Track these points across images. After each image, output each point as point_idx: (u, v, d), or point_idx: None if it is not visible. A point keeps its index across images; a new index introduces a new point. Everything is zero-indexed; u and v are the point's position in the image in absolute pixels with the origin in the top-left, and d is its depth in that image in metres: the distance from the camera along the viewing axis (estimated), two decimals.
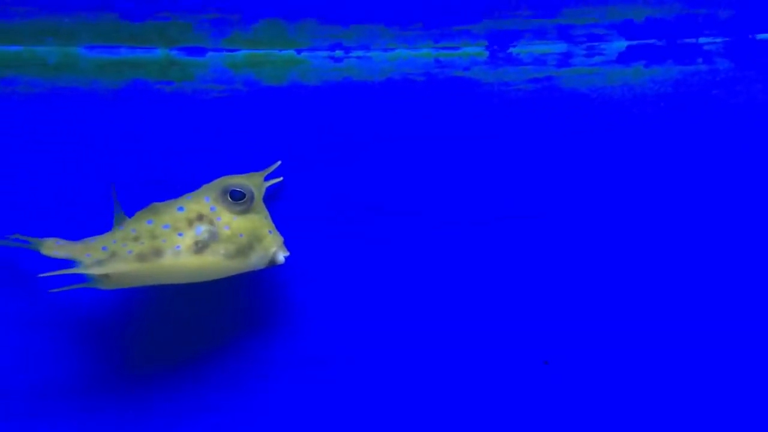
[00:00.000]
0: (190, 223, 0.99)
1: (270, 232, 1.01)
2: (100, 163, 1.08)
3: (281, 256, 1.01)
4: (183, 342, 1.07)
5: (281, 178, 1.08)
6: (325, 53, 1.10)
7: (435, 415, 1.08)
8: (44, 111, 1.08)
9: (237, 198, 1.00)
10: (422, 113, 1.10)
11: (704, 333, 1.09)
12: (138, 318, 1.07)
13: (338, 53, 1.10)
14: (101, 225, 1.07)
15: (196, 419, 1.07)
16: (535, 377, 1.09)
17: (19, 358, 1.06)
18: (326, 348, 1.08)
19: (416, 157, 1.09)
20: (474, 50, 1.11)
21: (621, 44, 1.11)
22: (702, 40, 1.11)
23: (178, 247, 0.97)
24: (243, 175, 1.03)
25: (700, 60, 1.11)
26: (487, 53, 1.11)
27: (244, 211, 1.00)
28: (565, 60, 1.11)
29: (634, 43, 1.11)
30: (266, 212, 1.02)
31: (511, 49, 1.11)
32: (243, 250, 0.99)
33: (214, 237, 0.98)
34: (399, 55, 1.10)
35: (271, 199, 1.08)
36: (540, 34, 1.11)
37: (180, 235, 0.98)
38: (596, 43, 1.11)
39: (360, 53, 1.10)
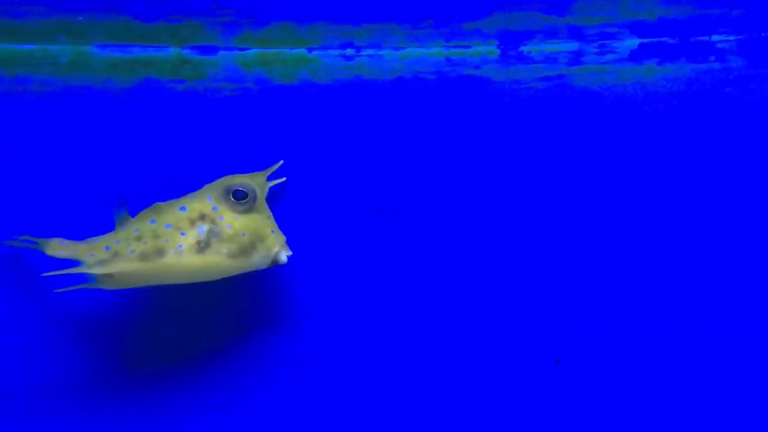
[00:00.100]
0: (193, 222, 0.99)
1: (272, 231, 1.01)
2: (112, 161, 1.09)
3: (284, 255, 1.01)
4: (184, 342, 1.07)
5: (284, 179, 1.08)
6: (336, 52, 1.10)
7: (440, 417, 1.08)
8: (57, 110, 1.09)
9: (240, 197, 1.00)
10: (433, 112, 1.10)
11: (716, 332, 1.08)
12: (139, 317, 1.07)
13: (349, 52, 1.10)
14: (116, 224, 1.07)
15: (197, 419, 1.07)
16: (547, 376, 1.08)
17: (20, 357, 1.07)
18: (328, 348, 1.08)
19: (427, 156, 1.09)
20: (485, 49, 1.10)
21: (633, 42, 1.11)
22: (715, 37, 1.10)
23: (180, 246, 0.98)
24: (246, 174, 1.03)
25: (712, 58, 1.10)
26: (498, 51, 1.10)
27: (247, 211, 1.01)
28: (576, 58, 1.10)
29: (647, 41, 1.11)
30: (269, 212, 1.02)
31: (522, 48, 1.10)
32: (245, 250, 0.99)
33: (216, 236, 0.98)
34: (410, 54, 1.10)
35: (279, 198, 1.08)
36: (551, 33, 1.11)
37: (182, 234, 0.98)
38: (608, 41, 1.11)
39: (371, 52, 1.10)
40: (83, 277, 1.00)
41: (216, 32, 1.10)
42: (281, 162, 1.07)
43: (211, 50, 1.10)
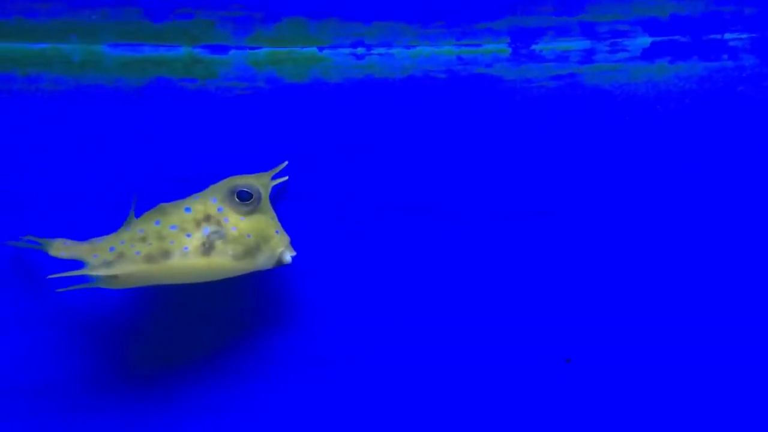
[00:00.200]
0: (198, 224, 0.99)
1: (277, 232, 1.01)
2: (123, 160, 1.09)
3: (288, 256, 1.01)
4: (185, 341, 1.08)
5: (286, 177, 1.08)
6: (347, 50, 1.10)
7: (448, 417, 1.08)
8: (69, 108, 1.09)
9: (245, 198, 1.00)
10: (444, 110, 1.09)
11: (731, 331, 1.08)
12: (140, 317, 1.08)
13: (360, 50, 1.10)
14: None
15: (198, 419, 1.07)
16: (557, 375, 1.08)
17: (20, 357, 1.07)
18: (332, 348, 1.08)
19: (438, 154, 1.09)
20: (496, 47, 1.10)
21: (645, 40, 1.10)
22: (727, 36, 1.10)
23: (186, 248, 0.98)
24: (250, 175, 1.03)
25: (725, 56, 1.10)
26: (509, 50, 1.10)
27: (251, 212, 1.01)
28: (588, 56, 1.10)
29: (659, 39, 1.10)
30: (273, 212, 1.02)
31: (533, 46, 1.10)
32: (250, 251, 0.99)
33: (221, 238, 0.99)
34: (421, 53, 1.10)
35: (290, 197, 1.09)
36: (563, 31, 1.10)
37: (188, 236, 0.98)
38: (620, 40, 1.10)
39: (382, 50, 1.10)
40: (85, 277, 1.00)
41: (227, 31, 1.10)
42: (286, 163, 1.07)
43: (222, 49, 1.10)
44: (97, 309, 1.08)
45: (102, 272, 0.97)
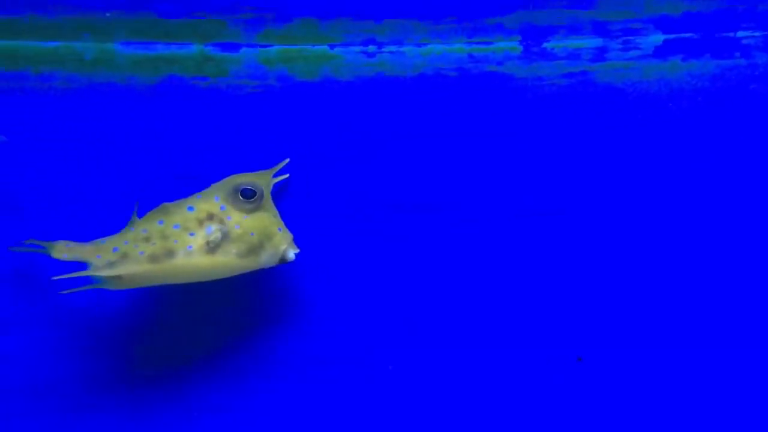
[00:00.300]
0: (201, 222, 0.99)
1: (280, 229, 1.01)
2: (136, 157, 1.09)
3: (291, 253, 1.01)
4: (186, 340, 1.08)
5: (287, 175, 1.08)
6: (358, 48, 1.10)
7: (456, 419, 1.08)
8: (81, 106, 1.10)
9: (248, 196, 1.00)
10: (455, 108, 1.09)
11: (745, 331, 1.08)
12: (141, 316, 1.08)
13: (371, 48, 1.10)
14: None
15: (199, 419, 1.08)
16: (569, 374, 1.08)
17: (21, 357, 1.08)
18: (335, 348, 1.08)
19: (449, 152, 1.09)
20: (508, 45, 1.10)
21: (658, 38, 1.10)
22: (740, 33, 1.09)
23: (190, 247, 0.98)
24: (251, 173, 1.03)
25: (738, 54, 1.09)
26: (520, 48, 1.10)
27: (254, 210, 1.01)
28: (600, 54, 1.10)
29: (671, 37, 1.10)
30: (275, 210, 1.02)
31: (545, 44, 1.10)
32: (254, 249, 0.99)
33: (225, 236, 0.99)
34: (432, 50, 1.10)
35: (301, 197, 1.09)
36: (575, 29, 1.10)
37: (191, 235, 0.98)
38: (632, 37, 1.10)
39: (393, 48, 1.10)
40: (89, 278, 1.00)
41: (239, 29, 1.10)
42: (287, 160, 1.08)
43: (233, 47, 1.10)
44: (97, 308, 1.08)
45: (106, 273, 0.97)
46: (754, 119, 1.08)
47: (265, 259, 1.00)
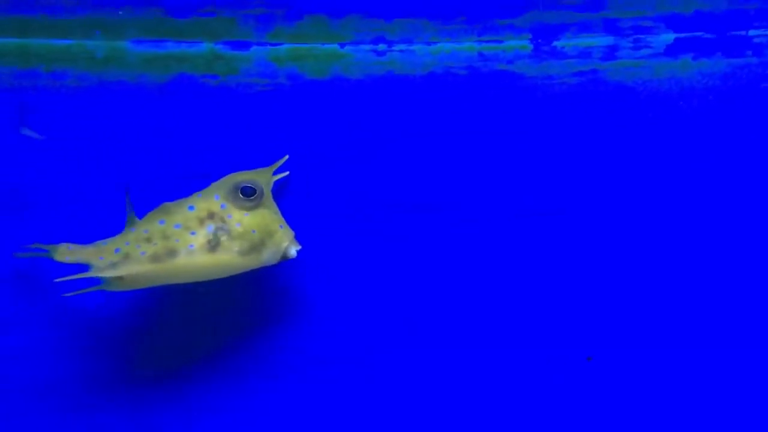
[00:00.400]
0: (202, 221, 0.99)
1: (281, 226, 1.01)
2: (146, 155, 1.10)
3: (293, 250, 1.01)
4: (187, 340, 1.08)
5: (287, 173, 1.08)
6: (368, 47, 1.10)
7: (458, 419, 1.08)
8: (92, 104, 1.10)
9: (248, 194, 1.00)
10: (465, 107, 1.09)
11: (747, 330, 1.07)
12: (141, 316, 1.08)
13: (381, 47, 1.10)
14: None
15: (199, 419, 1.08)
16: (578, 374, 1.08)
17: (21, 357, 1.08)
18: (336, 348, 1.08)
19: (459, 151, 1.09)
20: (518, 43, 1.10)
21: (669, 37, 1.09)
22: (752, 32, 1.09)
23: (191, 246, 0.98)
24: (251, 171, 1.03)
25: (749, 52, 1.09)
26: (531, 46, 1.10)
27: (254, 207, 1.01)
28: (610, 53, 1.09)
29: (682, 35, 1.09)
30: (275, 207, 1.02)
31: (555, 42, 1.10)
32: (256, 247, 0.99)
33: (226, 235, 0.99)
34: (442, 49, 1.10)
35: (311, 196, 1.09)
36: (585, 27, 1.10)
37: (192, 234, 0.98)
38: (643, 36, 1.09)
39: (403, 47, 1.10)
40: (91, 280, 1.00)
41: (249, 27, 1.10)
42: (287, 157, 1.08)
43: (243, 45, 1.10)
44: (97, 309, 1.08)
45: (108, 274, 0.97)
46: (766, 118, 1.08)
47: (267, 256, 1.00)
